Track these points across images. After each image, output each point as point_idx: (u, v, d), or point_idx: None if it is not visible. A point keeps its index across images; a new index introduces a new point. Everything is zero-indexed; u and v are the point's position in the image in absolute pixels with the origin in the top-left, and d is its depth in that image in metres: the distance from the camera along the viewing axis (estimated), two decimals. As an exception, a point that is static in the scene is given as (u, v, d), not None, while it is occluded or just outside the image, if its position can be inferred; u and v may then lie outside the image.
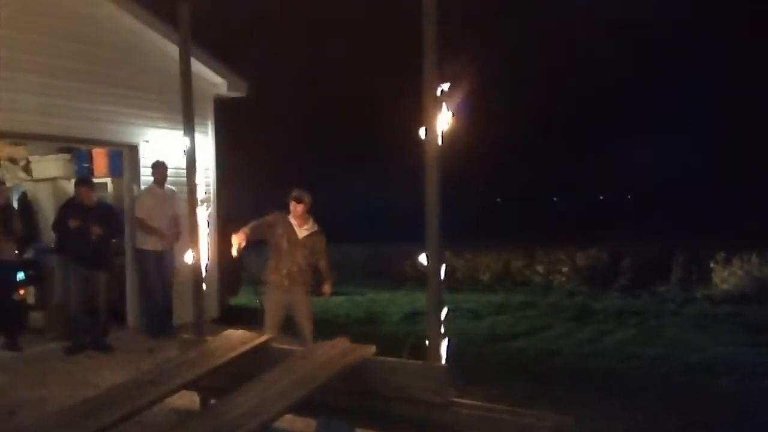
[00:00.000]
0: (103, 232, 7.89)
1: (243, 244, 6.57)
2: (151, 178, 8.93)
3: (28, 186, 10.14)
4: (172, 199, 8.90)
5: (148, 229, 8.67)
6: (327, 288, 7.17)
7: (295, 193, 6.80)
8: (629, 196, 52.34)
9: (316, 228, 6.91)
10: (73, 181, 9.02)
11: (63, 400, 5.96)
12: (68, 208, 8.04)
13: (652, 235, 17.58)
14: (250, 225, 6.79)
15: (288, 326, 6.91)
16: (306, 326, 6.79)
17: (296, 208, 6.75)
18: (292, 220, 6.80)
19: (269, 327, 6.67)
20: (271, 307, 6.88)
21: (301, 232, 6.80)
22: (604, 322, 9.48)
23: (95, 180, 8.86)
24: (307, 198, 6.81)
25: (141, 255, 8.80)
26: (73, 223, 7.75)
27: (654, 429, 5.28)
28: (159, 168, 8.81)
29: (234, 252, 6.60)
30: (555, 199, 55.53)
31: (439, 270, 4.65)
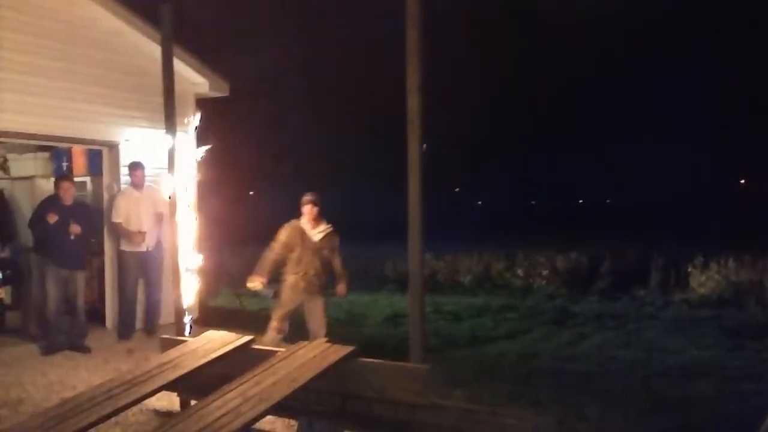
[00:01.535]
0: (82, 231, 7.82)
1: (263, 283, 6.91)
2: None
3: (5, 185, 10.02)
4: (152, 197, 8.83)
5: (125, 233, 8.60)
6: (342, 288, 7.29)
7: (309, 196, 6.94)
8: (608, 201, 52.75)
9: (330, 228, 7.03)
10: (51, 180, 8.94)
11: (40, 402, 5.91)
12: (47, 204, 7.96)
13: (631, 240, 17.72)
14: (264, 263, 6.96)
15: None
16: (319, 332, 6.85)
17: (312, 210, 6.90)
18: (305, 225, 6.91)
19: (278, 317, 7.00)
20: (285, 300, 7.11)
21: (316, 235, 6.92)
22: (583, 325, 9.53)
23: (75, 179, 8.78)
24: (317, 199, 6.95)
25: (121, 256, 8.74)
26: (52, 218, 7.66)
27: (632, 430, 5.32)
28: (135, 169, 8.75)
29: (257, 288, 6.97)
30: (533, 202, 55.85)
31: (422, 272, 4.68)
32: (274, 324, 7.05)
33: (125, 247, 8.68)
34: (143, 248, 8.65)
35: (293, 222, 7.01)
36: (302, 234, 6.90)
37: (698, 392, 6.34)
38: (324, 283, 7.09)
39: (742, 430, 4.26)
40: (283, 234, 6.98)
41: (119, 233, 8.67)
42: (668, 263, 12.49)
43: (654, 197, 43.05)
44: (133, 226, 8.61)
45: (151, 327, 8.72)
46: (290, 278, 7.01)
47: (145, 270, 8.74)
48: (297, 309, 7.21)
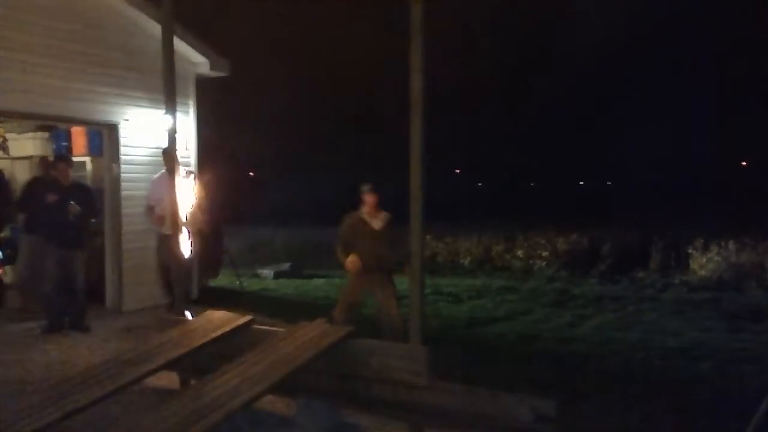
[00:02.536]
0: (80, 212, 7.80)
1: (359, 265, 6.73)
2: (132, 157, 8.87)
3: (5, 164, 10.00)
4: (186, 182, 8.84)
5: (149, 216, 8.56)
6: (408, 270, 7.13)
7: (368, 186, 6.90)
8: (609, 183, 52.69)
9: (388, 216, 6.96)
10: (51, 159, 8.91)
11: (40, 380, 5.92)
12: (38, 185, 7.92)
13: (632, 222, 17.70)
14: (340, 247, 6.92)
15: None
16: (392, 306, 6.83)
17: (373, 199, 6.86)
18: (365, 216, 6.88)
19: (343, 308, 6.87)
20: (350, 289, 7.07)
21: (377, 223, 6.88)
22: (583, 307, 9.53)
23: (74, 159, 8.75)
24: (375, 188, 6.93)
25: (159, 239, 8.68)
26: (51, 198, 7.64)
27: (632, 412, 5.32)
28: (167, 155, 8.78)
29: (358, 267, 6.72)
30: (532, 184, 55.82)
31: (422, 253, 4.67)
32: (338, 316, 6.76)
33: (164, 230, 8.72)
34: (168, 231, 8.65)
35: (353, 213, 6.98)
36: (363, 224, 6.86)
37: (698, 373, 6.35)
38: (391, 269, 6.96)
39: (742, 411, 4.27)
40: (345, 227, 6.96)
41: (147, 215, 8.66)
42: (668, 245, 12.48)
43: (654, 179, 42.98)
44: (163, 210, 8.59)
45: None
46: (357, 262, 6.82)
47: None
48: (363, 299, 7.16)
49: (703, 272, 11.58)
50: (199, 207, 8.84)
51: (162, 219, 8.50)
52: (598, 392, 5.76)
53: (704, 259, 11.80)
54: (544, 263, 13.29)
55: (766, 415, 4.02)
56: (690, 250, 12.15)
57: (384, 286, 6.88)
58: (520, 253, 13.85)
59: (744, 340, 7.55)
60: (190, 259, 8.41)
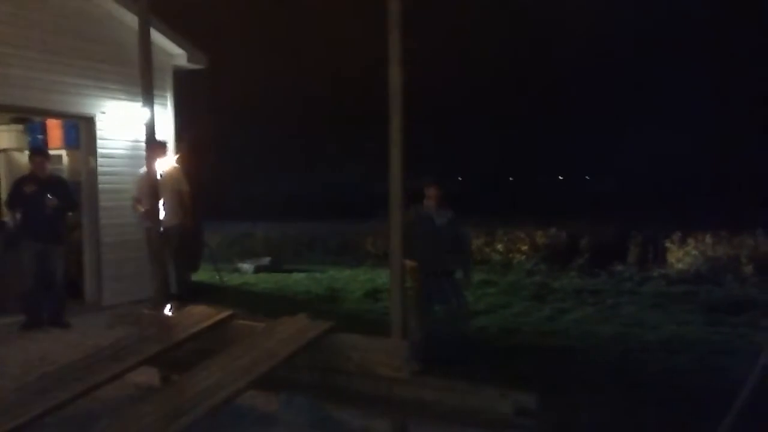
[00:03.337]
0: (58, 205, 7.71)
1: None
2: (109, 150, 8.78)
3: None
4: (170, 175, 8.79)
5: (134, 210, 8.50)
6: (466, 282, 6.86)
7: (430, 178, 6.53)
8: (587, 177, 53.05)
9: (453, 214, 6.60)
10: (26, 152, 8.80)
11: (20, 377, 5.85)
12: (20, 180, 7.85)
13: (610, 216, 17.81)
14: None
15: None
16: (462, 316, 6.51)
17: (436, 194, 6.47)
18: (430, 210, 6.49)
19: (417, 311, 6.31)
20: (416, 291, 6.44)
21: (440, 219, 6.50)
22: (562, 301, 9.57)
23: (50, 152, 8.64)
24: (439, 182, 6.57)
25: (147, 233, 8.62)
26: (29, 188, 7.55)
27: (612, 404, 5.36)
28: (154, 147, 8.73)
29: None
30: (511, 178, 56.04)
31: (402, 246, 4.67)
32: (413, 322, 6.26)
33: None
34: (165, 224, 8.61)
35: (415, 207, 6.51)
36: (426, 218, 6.45)
37: (677, 366, 6.41)
38: (452, 267, 6.60)
39: (721, 402, 4.31)
40: (405, 221, 6.58)
41: (133, 208, 8.60)
42: (646, 239, 12.57)
43: (632, 174, 43.31)
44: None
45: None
46: (416, 265, 6.35)
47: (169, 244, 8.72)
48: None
49: (680, 266, 11.68)
50: (182, 199, 8.82)
51: (149, 213, 8.44)
52: (579, 385, 5.80)
53: (681, 253, 11.91)
54: (523, 257, 13.33)
55: (743, 406, 4.06)
56: (667, 244, 12.25)
57: (449, 289, 6.47)
58: (499, 246, 13.88)
59: (722, 332, 7.62)
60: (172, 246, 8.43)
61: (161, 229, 8.52)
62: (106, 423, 3.99)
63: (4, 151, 9.71)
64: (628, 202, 24.54)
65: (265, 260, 13.37)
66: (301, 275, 12.28)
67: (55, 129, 9.45)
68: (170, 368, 5.35)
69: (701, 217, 14.21)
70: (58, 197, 7.66)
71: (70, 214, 8.41)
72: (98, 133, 8.87)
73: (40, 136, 9.49)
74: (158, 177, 8.52)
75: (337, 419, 4.89)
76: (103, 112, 8.90)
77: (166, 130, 9.67)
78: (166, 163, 8.88)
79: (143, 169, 8.49)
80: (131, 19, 8.07)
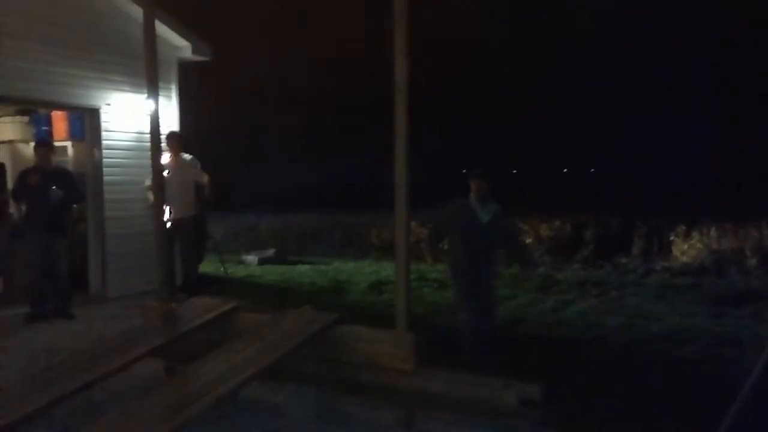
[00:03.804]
0: (63, 197, 7.72)
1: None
2: (114, 142, 8.80)
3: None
4: (187, 167, 8.86)
5: (150, 200, 8.51)
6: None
7: (477, 170, 6.13)
8: (592, 170, 52.93)
9: (499, 208, 6.21)
10: (31, 144, 8.81)
11: (25, 368, 5.87)
12: (26, 171, 7.86)
13: (614, 208, 17.77)
14: (435, 248, 6.65)
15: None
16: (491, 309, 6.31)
17: (480, 186, 6.08)
18: (474, 203, 6.12)
19: (462, 309, 6.17)
20: (458, 288, 6.30)
21: (485, 214, 6.12)
22: (566, 292, 9.58)
23: (55, 144, 8.66)
24: (486, 174, 6.16)
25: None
26: (34, 180, 7.56)
27: (616, 395, 5.37)
28: (170, 139, 8.85)
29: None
30: (515, 171, 55.95)
31: (407, 239, 4.67)
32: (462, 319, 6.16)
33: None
34: (176, 216, 8.64)
35: (458, 200, 6.23)
36: (470, 212, 6.10)
37: (681, 357, 6.41)
38: (495, 263, 6.41)
39: (724, 393, 4.31)
40: (446, 213, 6.30)
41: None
42: (651, 231, 12.56)
43: (638, 166, 43.20)
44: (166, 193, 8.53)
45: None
46: (456, 260, 6.19)
47: (177, 237, 8.79)
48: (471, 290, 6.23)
49: (684, 258, 11.68)
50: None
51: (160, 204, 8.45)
52: (583, 376, 5.81)
53: (686, 246, 11.90)
54: (527, 249, 13.32)
55: (746, 398, 4.06)
56: (672, 237, 12.24)
57: (486, 285, 6.22)
58: (504, 238, 13.86)
59: (725, 324, 7.63)
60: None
61: (171, 221, 8.59)
62: (112, 414, 4.01)
63: (10, 142, 9.72)
64: (632, 194, 24.48)
65: (270, 252, 13.39)
66: (306, 267, 12.29)
67: (60, 121, 9.46)
68: (176, 360, 5.37)
69: (706, 210, 14.17)
70: (63, 189, 7.66)
71: (75, 206, 8.43)
72: (103, 125, 8.87)
73: (45, 128, 9.49)
74: (166, 170, 8.60)
75: (343, 410, 4.91)
76: (108, 104, 8.90)
77: (170, 121, 9.67)
78: (178, 155, 8.90)
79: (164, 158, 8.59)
80: (136, 11, 8.06)
